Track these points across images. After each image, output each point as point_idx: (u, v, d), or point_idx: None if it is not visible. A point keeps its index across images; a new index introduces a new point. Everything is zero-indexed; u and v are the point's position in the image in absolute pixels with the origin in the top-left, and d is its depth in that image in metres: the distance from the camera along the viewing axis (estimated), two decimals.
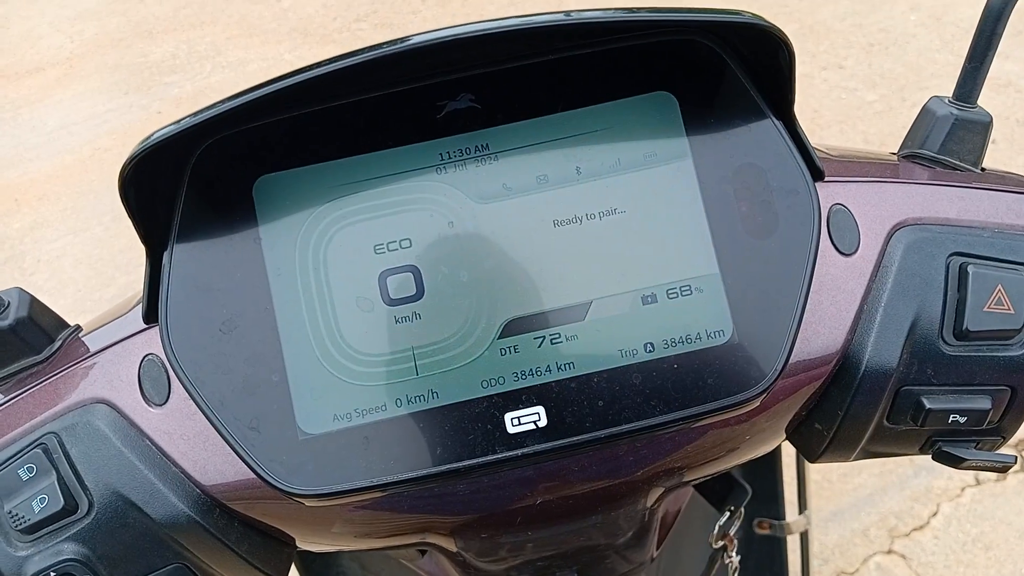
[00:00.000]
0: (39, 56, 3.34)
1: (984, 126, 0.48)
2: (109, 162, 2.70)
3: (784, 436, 0.48)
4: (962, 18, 2.78)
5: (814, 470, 1.66)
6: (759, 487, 0.90)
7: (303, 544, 0.48)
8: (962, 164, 0.47)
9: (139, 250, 0.42)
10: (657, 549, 0.64)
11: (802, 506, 0.96)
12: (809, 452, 0.48)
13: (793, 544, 1.03)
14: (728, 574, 0.70)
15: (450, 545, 0.49)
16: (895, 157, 0.49)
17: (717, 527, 0.65)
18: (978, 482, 1.65)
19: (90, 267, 2.35)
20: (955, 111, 0.48)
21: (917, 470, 1.67)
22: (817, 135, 2.43)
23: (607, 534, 0.51)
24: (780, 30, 0.39)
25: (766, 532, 0.94)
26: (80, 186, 2.65)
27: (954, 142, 0.47)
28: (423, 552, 0.60)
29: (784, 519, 0.94)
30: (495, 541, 0.48)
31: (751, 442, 0.45)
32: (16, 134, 2.93)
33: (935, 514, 1.61)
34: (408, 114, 0.41)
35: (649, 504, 0.50)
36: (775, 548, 0.97)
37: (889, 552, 1.57)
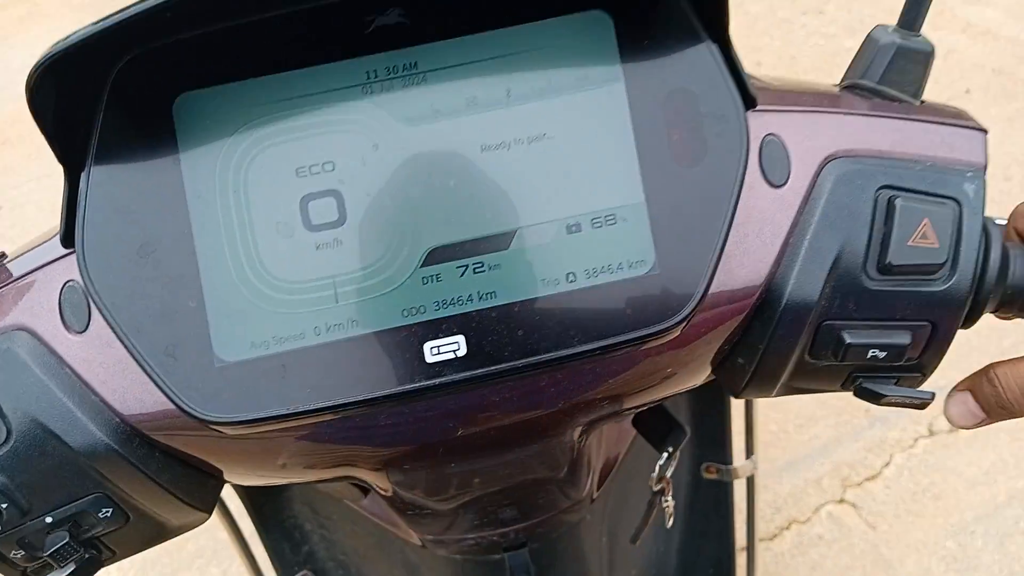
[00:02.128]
0: None
1: (926, 55, 0.47)
2: None
3: (710, 370, 0.48)
4: None
5: (771, 420, 1.68)
6: (707, 432, 0.93)
7: (229, 476, 0.48)
8: (902, 95, 0.47)
9: None
10: (598, 490, 0.65)
11: (749, 451, 0.97)
12: (733, 387, 0.48)
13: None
14: (665, 517, 0.71)
15: (378, 480, 0.49)
16: (836, 88, 0.49)
17: (657, 468, 0.65)
18: (931, 433, 1.68)
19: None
20: (898, 39, 0.47)
21: (872, 421, 1.69)
22: None
23: (536, 470, 0.51)
24: None
25: (713, 476, 0.96)
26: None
27: (895, 72, 0.47)
28: (365, 492, 0.60)
29: (732, 464, 0.95)
30: (423, 477, 0.48)
31: (676, 375, 0.46)
32: None
33: (887, 464, 1.64)
34: (334, 29, 0.39)
35: (575, 438, 0.50)
36: (722, 492, 0.98)
37: (841, 501, 1.61)
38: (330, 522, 0.85)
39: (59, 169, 0.39)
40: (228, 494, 0.82)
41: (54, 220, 0.40)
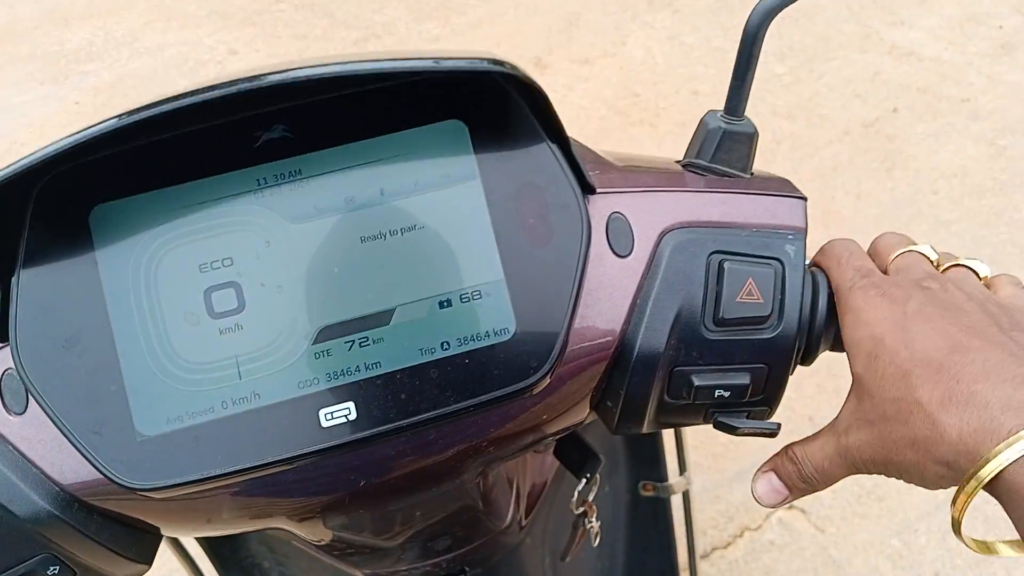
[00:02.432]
0: None
1: (749, 136, 0.53)
2: None
3: (589, 410, 0.54)
4: None
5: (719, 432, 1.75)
6: (642, 453, 1.00)
7: (164, 532, 0.52)
8: (732, 171, 0.53)
9: None
10: (528, 515, 0.72)
11: (682, 468, 1.03)
12: (608, 424, 0.54)
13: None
14: (591, 538, 0.77)
15: (299, 530, 0.54)
16: (677, 164, 0.55)
17: (576, 494, 0.71)
18: None
19: None
20: (724, 124, 0.52)
21: (816, 428, 1.76)
22: None
23: (449, 507, 0.57)
24: (524, 74, 0.44)
25: (651, 494, 1.02)
26: None
27: (724, 151, 0.52)
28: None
29: (667, 481, 1.01)
30: (334, 527, 0.54)
31: (555, 419, 0.51)
32: None
33: None
34: (228, 144, 0.45)
35: (477, 477, 0.56)
36: (660, 508, 1.05)
37: (790, 508, 1.68)
38: (287, 559, 0.89)
39: None
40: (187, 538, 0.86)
41: None
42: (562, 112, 0.47)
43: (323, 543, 0.59)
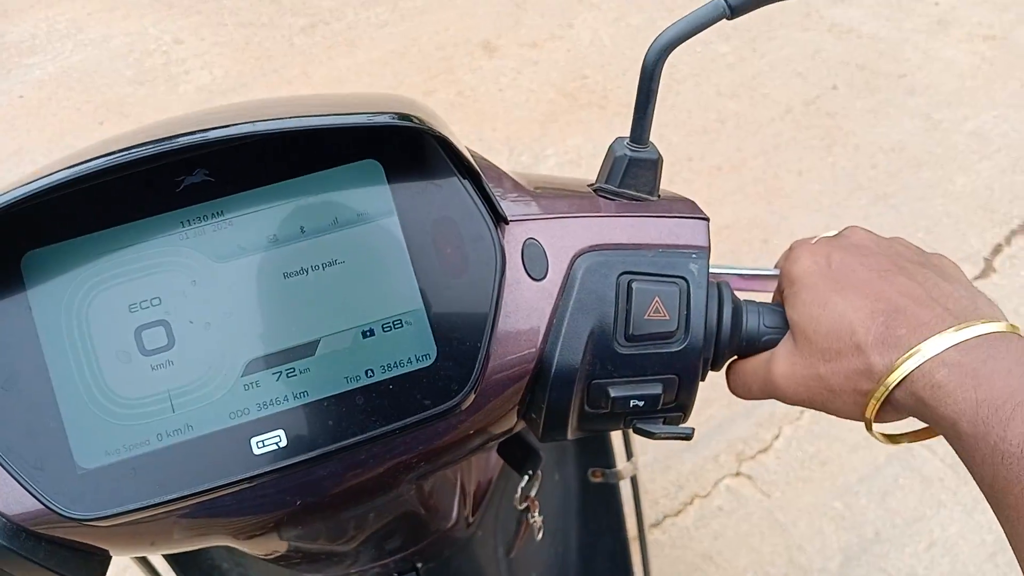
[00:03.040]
0: None
1: (654, 162, 0.56)
2: None
3: (516, 421, 0.57)
4: None
5: None
6: (589, 442, 1.04)
7: (114, 553, 0.54)
8: (639, 194, 0.56)
9: None
10: (475, 511, 0.74)
11: (628, 454, 1.08)
12: (535, 433, 0.57)
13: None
14: (535, 532, 0.80)
15: (244, 547, 0.56)
16: (589, 189, 0.58)
17: (520, 490, 0.73)
18: None
19: None
20: (629, 152, 0.55)
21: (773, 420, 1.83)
22: (674, 89, 2.54)
23: (389, 514, 0.59)
24: (427, 126, 0.47)
25: (600, 480, 1.06)
26: None
27: (630, 177, 0.55)
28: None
29: (615, 467, 1.05)
30: (278, 544, 0.56)
31: (480, 432, 0.54)
32: None
33: (777, 437, 1.78)
34: (152, 189, 0.47)
35: (411, 490, 0.58)
36: (609, 493, 1.09)
37: (737, 475, 1.73)
38: (245, 560, 0.90)
39: None
40: None
41: None
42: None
43: (271, 557, 0.60)
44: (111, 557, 0.55)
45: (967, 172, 2.30)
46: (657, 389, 0.53)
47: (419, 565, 0.69)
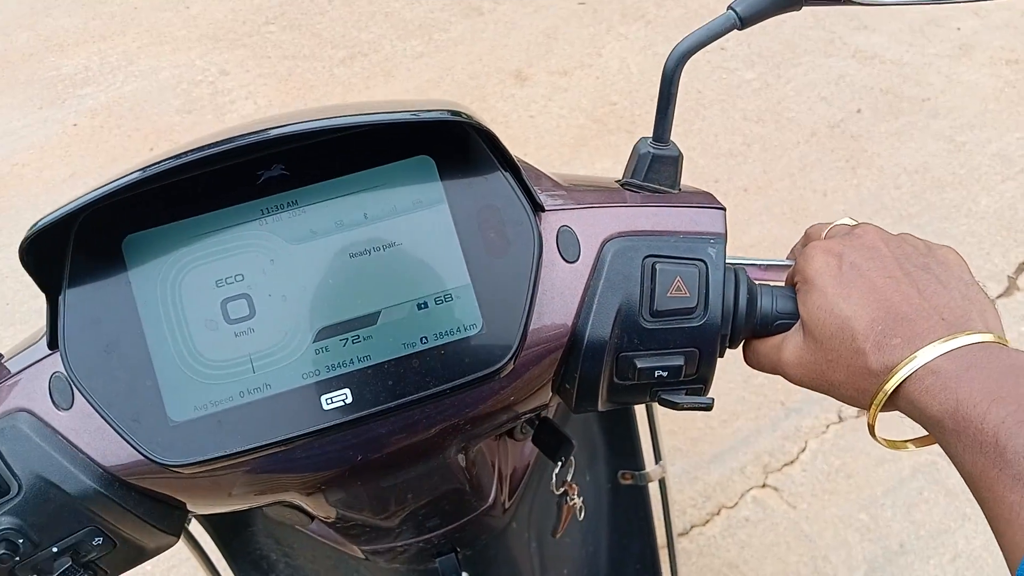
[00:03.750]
0: None
1: (675, 159, 0.61)
2: (28, 178, 2.75)
3: (551, 393, 0.62)
4: None
5: (697, 418, 1.84)
6: (619, 445, 1.08)
7: (192, 507, 0.60)
8: (662, 187, 0.61)
9: None
10: (511, 497, 0.78)
11: (657, 457, 1.12)
12: (568, 403, 0.62)
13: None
14: (576, 514, 0.85)
15: (308, 503, 0.62)
16: (617, 184, 0.63)
17: (554, 476, 0.78)
18: (841, 419, 1.85)
19: (17, 280, 2.41)
20: (652, 149, 0.61)
21: (787, 412, 1.86)
22: (700, 114, 2.60)
23: (437, 484, 0.64)
24: (476, 121, 0.53)
25: (629, 482, 1.10)
26: (0, 202, 2.69)
27: (654, 172, 0.61)
28: (311, 517, 0.72)
29: (644, 469, 1.09)
30: (344, 497, 0.61)
31: (520, 400, 0.59)
32: None
33: (803, 450, 1.81)
34: (235, 182, 0.54)
35: (459, 456, 0.63)
36: (639, 495, 1.12)
37: (764, 486, 1.76)
38: (292, 550, 0.95)
39: (17, 239, 0.52)
40: (200, 531, 0.92)
41: (18, 287, 0.51)
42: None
43: (328, 519, 0.66)
44: (188, 513, 0.61)
45: (990, 192, 2.33)
46: (679, 361, 0.57)
47: (458, 550, 0.74)
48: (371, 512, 0.64)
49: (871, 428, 0.53)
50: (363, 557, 0.75)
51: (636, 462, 1.09)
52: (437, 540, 0.72)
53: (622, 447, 1.08)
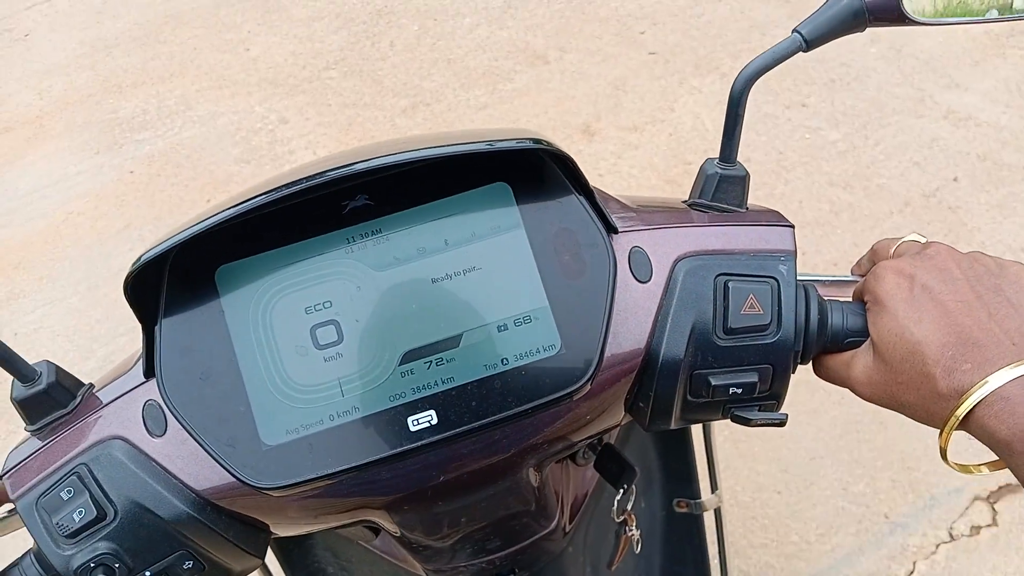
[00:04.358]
0: (8, 115, 3.30)
1: (742, 179, 0.62)
2: (83, 227, 2.68)
3: (624, 412, 0.62)
4: (921, 50, 2.80)
5: (791, 531, 1.67)
6: (676, 473, 1.08)
7: (275, 529, 0.61)
8: (730, 207, 0.62)
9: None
10: (571, 522, 0.79)
11: (713, 487, 1.10)
12: (641, 422, 0.62)
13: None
14: (633, 545, 0.84)
15: (387, 522, 0.62)
16: (684, 204, 0.64)
17: (616, 503, 0.77)
18: (952, 538, 1.66)
19: (68, 340, 2.32)
20: (720, 170, 0.62)
21: (892, 527, 1.68)
22: (782, 177, 2.44)
23: (509, 504, 0.64)
24: (555, 147, 0.54)
25: (684, 510, 1.09)
26: (54, 253, 2.62)
27: (721, 192, 0.62)
28: (376, 533, 0.75)
29: (700, 499, 1.08)
30: (421, 517, 0.61)
31: (594, 420, 0.59)
32: None
33: (912, 572, 1.62)
34: (322, 212, 0.55)
35: (532, 475, 0.63)
36: (693, 524, 1.11)
37: None
38: (350, 564, 0.97)
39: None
40: None
41: (69, 347, 0.46)
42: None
43: (396, 535, 0.66)
44: (271, 535, 0.62)
45: None
46: (753, 378, 0.57)
47: (515, 571, 0.74)
48: (442, 530, 0.65)
49: (943, 452, 0.53)
50: (421, 574, 0.75)
51: (692, 490, 1.09)
52: (499, 561, 0.72)
53: (679, 474, 1.08)
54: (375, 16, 3.35)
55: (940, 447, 0.53)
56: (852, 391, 0.59)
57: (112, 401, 0.57)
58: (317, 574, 1.00)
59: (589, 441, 0.68)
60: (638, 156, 2.60)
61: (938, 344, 0.51)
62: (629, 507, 0.79)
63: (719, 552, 1.16)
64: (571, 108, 2.81)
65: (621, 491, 0.76)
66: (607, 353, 0.55)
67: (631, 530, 0.83)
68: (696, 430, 1.06)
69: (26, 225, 2.75)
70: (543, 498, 0.68)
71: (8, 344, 0.55)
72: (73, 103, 3.28)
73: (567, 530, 0.78)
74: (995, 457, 0.51)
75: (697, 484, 1.08)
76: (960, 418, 0.50)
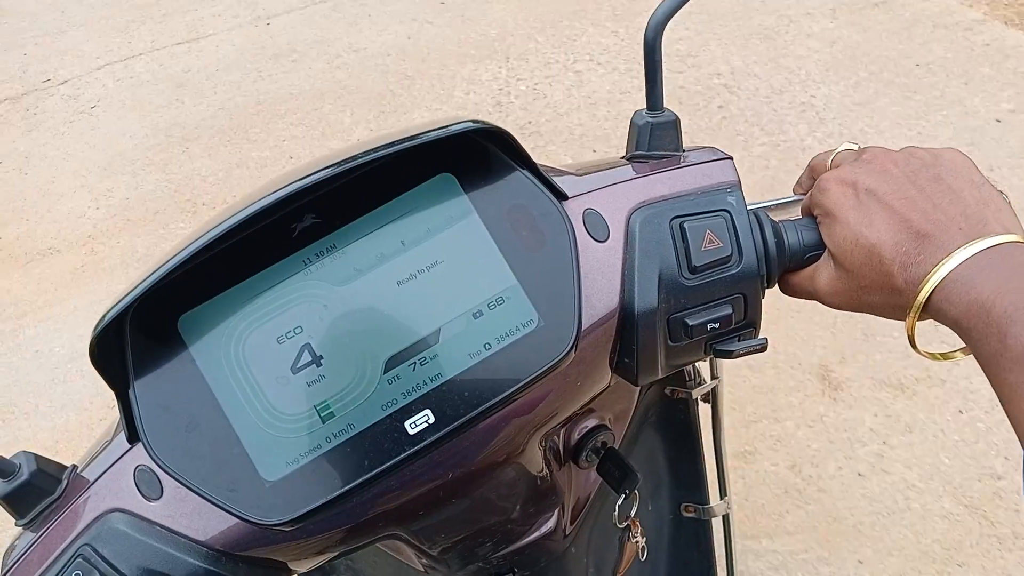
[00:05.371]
0: (56, 228, 2.64)
1: (673, 123, 0.63)
2: None
3: (610, 372, 0.61)
4: None
5: None
6: (684, 476, 1.01)
7: (294, 566, 0.60)
8: (667, 152, 0.63)
9: None
10: (571, 525, 0.76)
11: (722, 492, 1.02)
12: (629, 378, 0.61)
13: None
14: (639, 554, 0.80)
15: (407, 532, 0.61)
16: (624, 160, 0.64)
17: (617, 508, 0.73)
18: None
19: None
20: (650, 119, 0.63)
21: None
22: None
23: (511, 497, 0.64)
24: (491, 125, 0.54)
25: (692, 515, 1.02)
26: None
27: (656, 139, 0.63)
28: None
29: (708, 504, 1.01)
30: (435, 522, 0.61)
31: (584, 384, 0.59)
32: (16, 366, 2.21)
33: None
34: (272, 241, 0.53)
35: (533, 460, 0.63)
36: (701, 529, 1.05)
37: None
38: (356, 555, 0.88)
39: None
40: None
41: None
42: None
43: (416, 547, 0.65)
44: (292, 573, 0.61)
45: None
46: (728, 310, 0.59)
47: (515, 570, 0.72)
48: (453, 530, 0.64)
49: (911, 340, 0.54)
50: (422, 570, 0.73)
51: (700, 495, 1.02)
52: (497, 560, 0.71)
53: (687, 479, 1.01)
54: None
55: (908, 335, 0.55)
56: (820, 302, 0.60)
57: (101, 475, 0.56)
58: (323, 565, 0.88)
59: (595, 427, 0.70)
60: (915, 445, 1.75)
61: (892, 243, 0.53)
62: (632, 513, 0.75)
63: (726, 559, 1.08)
64: (801, 342, 1.97)
65: (623, 496, 0.72)
66: (584, 317, 0.55)
67: (636, 537, 0.79)
68: (706, 436, 0.95)
69: (55, 417, 2.06)
70: (544, 493, 0.68)
71: None
72: (135, 222, 2.59)
73: (568, 532, 0.75)
74: (963, 344, 0.52)
75: (706, 489, 1.01)
76: (920, 307, 0.52)
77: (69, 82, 3.32)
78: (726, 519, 1.09)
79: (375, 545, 0.73)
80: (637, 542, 0.79)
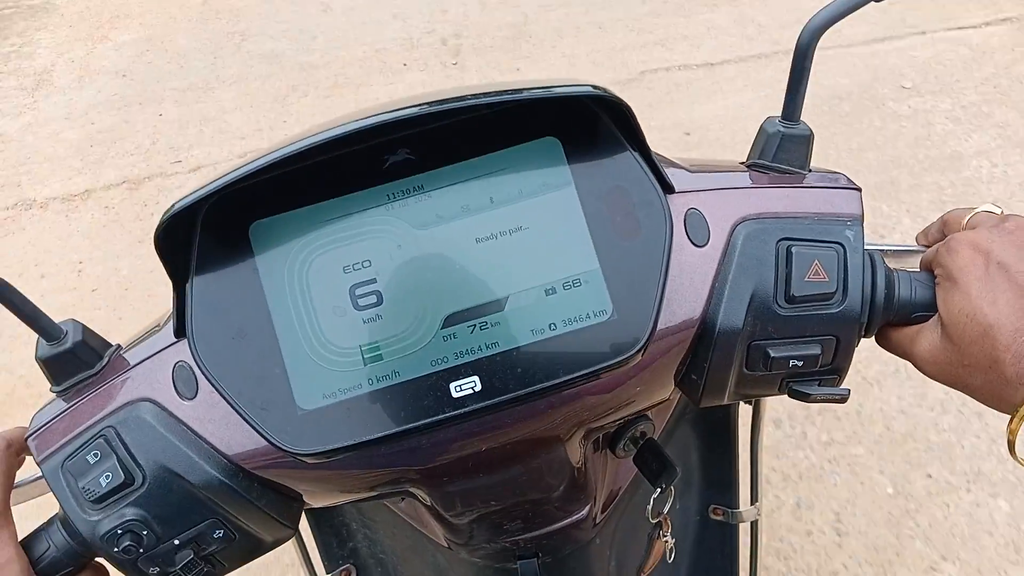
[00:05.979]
0: None
1: (806, 138, 0.59)
2: None
3: (673, 386, 0.58)
4: None
5: None
6: (715, 477, 0.98)
7: (309, 499, 0.58)
8: (791, 168, 0.59)
9: None
10: (602, 514, 0.73)
11: (754, 498, 0.99)
12: (692, 396, 0.58)
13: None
14: (666, 554, 0.78)
15: (424, 494, 0.59)
16: (743, 165, 0.60)
17: (652, 502, 0.72)
18: None
19: None
20: (782, 129, 0.59)
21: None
22: None
23: (544, 482, 0.61)
24: (613, 94, 0.50)
25: (720, 518, 1.00)
26: None
27: (784, 152, 0.59)
28: (403, 498, 0.70)
29: (737, 508, 0.99)
30: (457, 489, 0.58)
31: (643, 391, 0.56)
32: None
33: None
34: (361, 167, 0.52)
35: (572, 451, 0.59)
36: (727, 533, 1.02)
37: None
38: (373, 523, 0.92)
39: None
40: None
41: None
42: None
43: (430, 506, 0.61)
44: (304, 505, 0.59)
45: None
46: (816, 350, 0.55)
47: (539, 555, 0.69)
48: (475, 504, 0.61)
49: (1010, 444, 0.49)
50: (444, 544, 0.72)
51: (730, 499, 1.00)
52: (523, 542, 0.68)
53: (718, 480, 1.00)
54: None
55: (1008, 439, 0.49)
56: (915, 366, 0.55)
57: (141, 362, 0.55)
58: (340, 528, 0.94)
59: (635, 417, 0.65)
60: None
61: (1012, 329, 0.48)
62: (665, 509, 0.74)
63: (750, 568, 1.05)
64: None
65: (659, 490, 0.70)
66: (661, 321, 0.52)
67: (666, 536, 0.77)
68: (743, 437, 0.94)
69: None
70: (579, 482, 0.65)
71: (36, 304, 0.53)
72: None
73: (597, 521, 0.73)
74: None
75: (736, 493, 0.99)
76: None
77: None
78: (754, 526, 1.06)
79: (397, 515, 0.74)
80: (667, 541, 0.77)
